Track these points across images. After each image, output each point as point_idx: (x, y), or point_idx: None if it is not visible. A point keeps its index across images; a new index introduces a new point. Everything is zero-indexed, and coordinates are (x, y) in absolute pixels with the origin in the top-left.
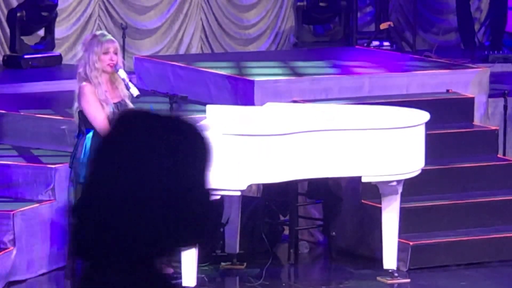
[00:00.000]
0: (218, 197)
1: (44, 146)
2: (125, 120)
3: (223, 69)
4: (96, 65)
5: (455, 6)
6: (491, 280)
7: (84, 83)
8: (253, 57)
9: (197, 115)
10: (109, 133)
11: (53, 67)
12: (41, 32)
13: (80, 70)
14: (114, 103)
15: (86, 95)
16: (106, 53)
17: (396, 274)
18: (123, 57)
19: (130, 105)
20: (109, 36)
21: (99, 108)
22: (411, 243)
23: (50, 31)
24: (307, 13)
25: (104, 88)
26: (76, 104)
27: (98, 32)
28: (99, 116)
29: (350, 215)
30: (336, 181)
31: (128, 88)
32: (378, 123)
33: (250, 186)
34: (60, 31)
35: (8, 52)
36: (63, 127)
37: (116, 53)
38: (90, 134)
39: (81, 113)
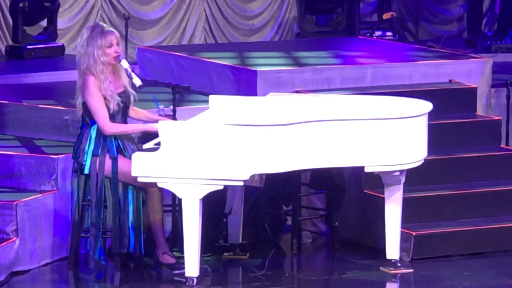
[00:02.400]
0: (221, 187)
1: (47, 137)
2: None
3: (226, 59)
4: (102, 58)
5: None
6: (493, 270)
7: (89, 76)
8: (256, 47)
9: (200, 105)
10: None
11: (56, 58)
12: (44, 23)
13: (84, 66)
14: (118, 94)
15: (90, 89)
16: (110, 46)
17: (399, 264)
18: (126, 48)
19: (133, 93)
20: (109, 27)
21: (102, 104)
22: (414, 233)
23: (52, 21)
24: (310, 3)
25: (109, 81)
26: (79, 97)
27: (96, 25)
28: (101, 112)
29: (353, 205)
30: (339, 171)
31: (130, 78)
32: (381, 113)
33: (252, 176)
34: (62, 21)
35: (10, 43)
36: (66, 117)
37: (118, 44)
38: (96, 126)
39: (85, 104)
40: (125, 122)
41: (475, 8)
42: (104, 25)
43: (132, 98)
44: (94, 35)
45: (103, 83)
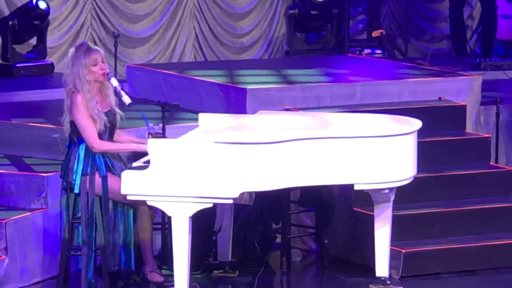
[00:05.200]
0: (210, 205)
1: (36, 155)
2: None
3: (215, 77)
4: (87, 78)
5: (448, 14)
6: None
7: (76, 94)
8: (245, 65)
9: (189, 123)
10: None
11: (45, 76)
12: (33, 41)
13: (70, 86)
14: (105, 113)
15: (78, 106)
16: (95, 64)
17: (388, 282)
18: (115, 66)
19: (119, 112)
20: (93, 46)
21: (90, 121)
22: (403, 251)
23: (42, 39)
24: (299, 21)
25: (95, 100)
26: (66, 116)
27: (81, 44)
28: (89, 130)
29: (342, 223)
30: (329, 189)
31: (120, 96)
32: (370, 131)
33: (242, 194)
34: (52, 39)
35: (0, 61)
36: (55, 135)
37: (103, 61)
38: (84, 145)
39: (73, 124)
40: (111, 139)
41: (457, 26)
42: (90, 43)
43: (118, 118)
44: (78, 54)
45: (89, 102)
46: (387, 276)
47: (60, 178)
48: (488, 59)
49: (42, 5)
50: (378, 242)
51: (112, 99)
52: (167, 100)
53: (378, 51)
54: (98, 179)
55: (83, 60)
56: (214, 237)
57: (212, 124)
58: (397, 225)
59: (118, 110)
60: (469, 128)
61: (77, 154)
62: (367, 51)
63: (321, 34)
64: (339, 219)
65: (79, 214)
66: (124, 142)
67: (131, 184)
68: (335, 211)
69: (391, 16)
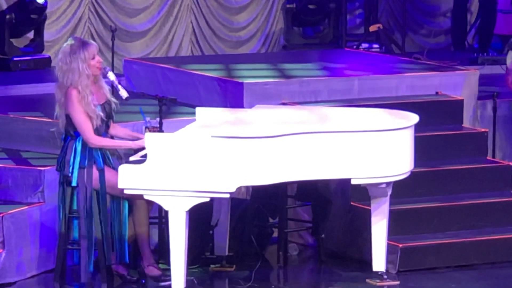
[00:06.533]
0: (208, 199)
1: (34, 149)
2: None
3: (213, 71)
4: (87, 72)
5: (452, 7)
6: (480, 282)
7: (72, 89)
8: (243, 59)
9: (186, 117)
10: None
11: (42, 70)
12: (31, 35)
13: (69, 82)
14: (102, 104)
15: (73, 103)
16: (93, 57)
17: (385, 276)
18: (113, 60)
19: (114, 101)
20: (88, 40)
21: (86, 116)
22: (400, 245)
23: (39, 33)
24: (297, 15)
25: (92, 95)
26: (60, 111)
27: (74, 41)
28: (85, 126)
29: (339, 217)
30: (325, 183)
31: (117, 90)
32: (368, 125)
33: (239, 189)
34: (49, 33)
35: None
36: (53, 129)
37: (98, 54)
38: (81, 138)
39: (69, 117)
40: (108, 129)
41: (459, 22)
42: (80, 38)
43: (114, 107)
44: (75, 49)
45: (86, 98)
46: (384, 271)
47: (56, 171)
48: (485, 54)
49: None
50: (375, 236)
51: (107, 89)
52: (164, 94)
53: (375, 46)
54: (95, 173)
55: (82, 54)
56: (211, 232)
57: (209, 118)
58: (394, 220)
59: (113, 99)
60: (466, 123)
61: (74, 147)
62: (364, 45)
63: (319, 28)
64: (336, 214)
65: (76, 208)
66: (119, 135)
67: (128, 178)
68: (332, 206)
69: (389, 11)
